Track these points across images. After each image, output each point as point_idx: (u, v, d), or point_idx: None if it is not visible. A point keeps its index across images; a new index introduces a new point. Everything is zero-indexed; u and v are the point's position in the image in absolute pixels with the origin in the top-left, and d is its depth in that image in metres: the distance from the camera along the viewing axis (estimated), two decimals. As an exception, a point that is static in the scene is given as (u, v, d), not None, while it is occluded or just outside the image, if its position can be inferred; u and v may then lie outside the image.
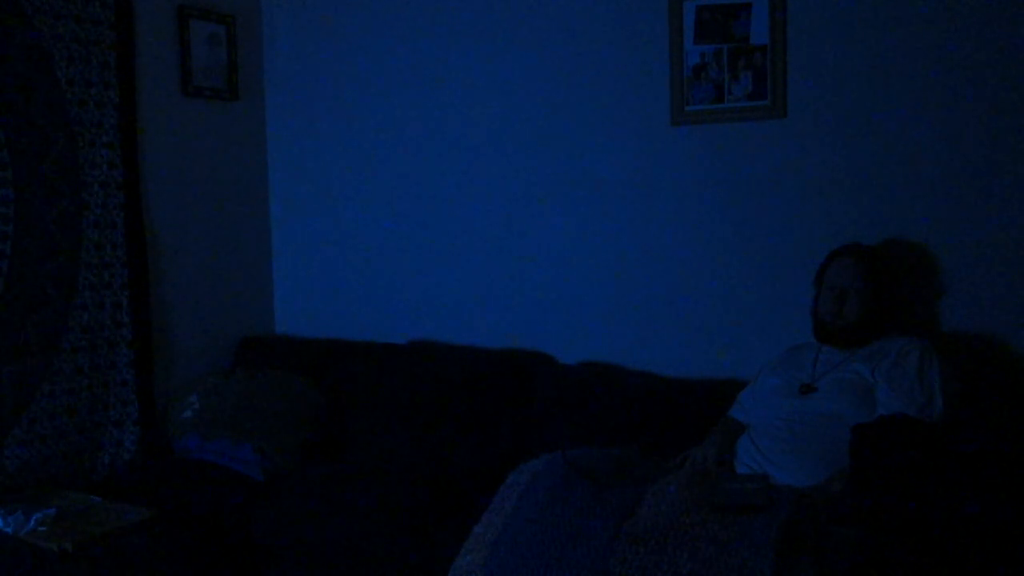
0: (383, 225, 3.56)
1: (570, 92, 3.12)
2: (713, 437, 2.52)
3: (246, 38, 3.67)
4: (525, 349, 3.25)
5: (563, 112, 3.14)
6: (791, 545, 1.83)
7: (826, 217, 2.73)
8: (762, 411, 2.50)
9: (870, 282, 2.47)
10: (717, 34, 2.84)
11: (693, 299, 2.96)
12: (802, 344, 2.61)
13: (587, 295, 3.15)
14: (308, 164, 3.72)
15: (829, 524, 1.96)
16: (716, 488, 2.07)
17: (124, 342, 3.18)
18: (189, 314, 3.48)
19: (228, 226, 3.65)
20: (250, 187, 3.75)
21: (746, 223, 2.86)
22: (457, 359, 3.24)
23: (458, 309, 3.42)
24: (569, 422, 2.90)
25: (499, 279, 3.33)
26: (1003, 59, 2.50)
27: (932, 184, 2.60)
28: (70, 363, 3.04)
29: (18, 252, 2.91)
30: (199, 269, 3.52)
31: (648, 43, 2.95)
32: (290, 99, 3.73)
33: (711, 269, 2.93)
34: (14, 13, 2.86)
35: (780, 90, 2.76)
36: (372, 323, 3.59)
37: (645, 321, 3.05)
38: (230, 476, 2.93)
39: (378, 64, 3.51)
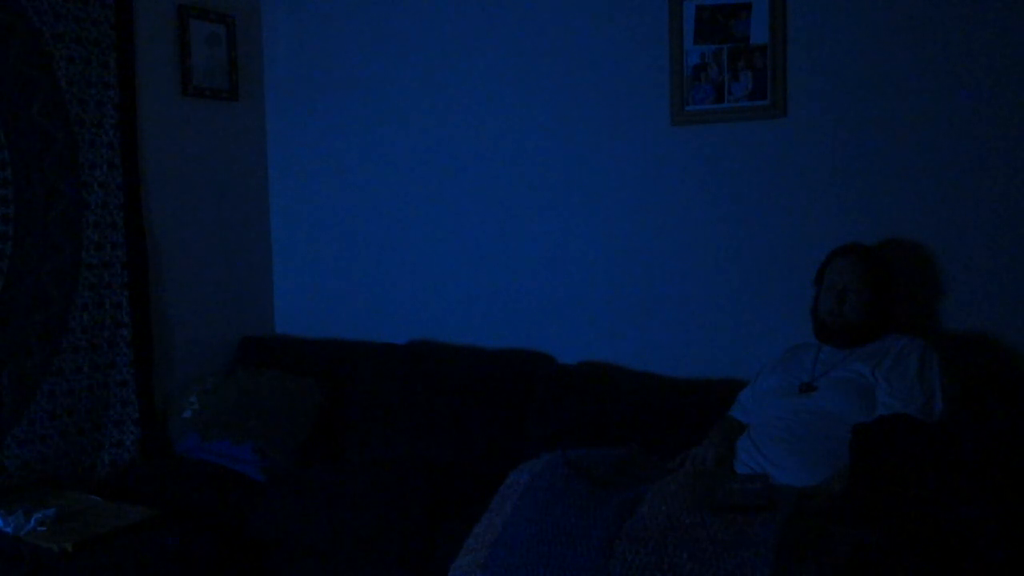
0: (383, 225, 3.56)
1: (570, 92, 3.12)
2: (713, 437, 2.52)
3: (246, 38, 3.67)
4: (525, 349, 3.25)
5: (563, 112, 3.14)
6: (791, 545, 1.83)
7: (826, 217, 2.73)
8: (762, 411, 2.50)
9: (870, 282, 2.47)
10: (717, 34, 2.84)
11: (693, 299, 2.97)
12: (802, 344, 2.61)
13: (587, 295, 3.15)
14: (308, 164, 3.72)
15: (829, 524, 1.96)
16: (716, 488, 2.07)
17: (124, 342, 3.18)
18: (189, 314, 3.48)
19: (228, 226, 3.65)
20: (250, 187, 3.75)
21: (746, 223, 2.86)
22: (457, 359, 3.24)
23: (458, 309, 3.42)
24: (569, 422, 2.90)
25: (499, 279, 3.32)
26: (1003, 59, 2.50)
27: (932, 184, 2.60)
28: (70, 363, 3.04)
29: (18, 252, 2.91)
30: (199, 269, 3.51)
31: (648, 43, 2.95)
32: (290, 99, 3.73)
33: (711, 269, 2.93)
34: (14, 13, 2.86)
35: (780, 90, 2.76)
36: (372, 323, 3.59)
37: (645, 321, 3.05)
38: (230, 476, 2.93)
39: (378, 63, 3.51)
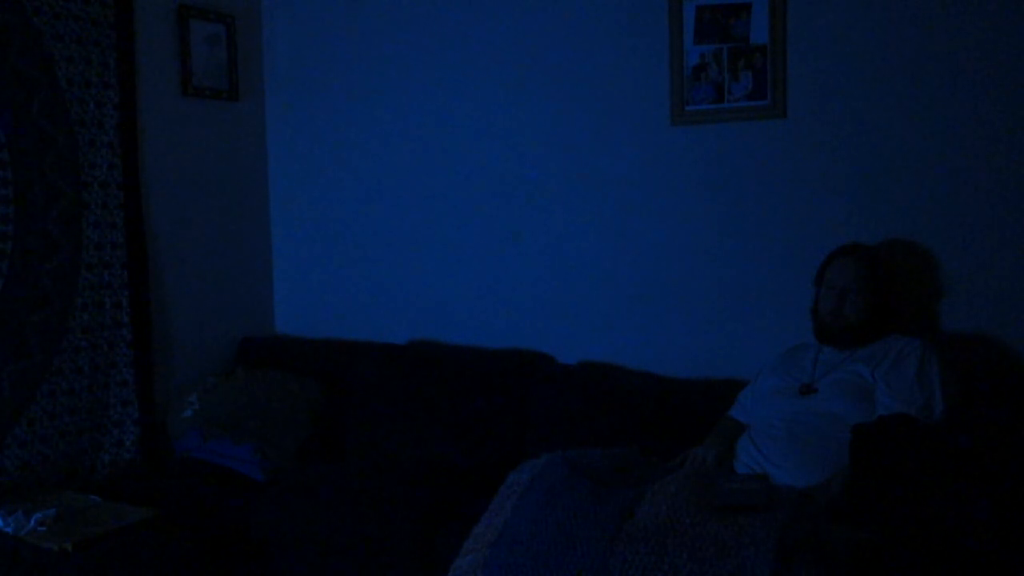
0: (383, 225, 3.56)
1: (570, 92, 3.12)
2: (713, 437, 2.52)
3: (246, 38, 3.67)
4: (525, 349, 3.25)
5: (563, 112, 3.14)
6: (791, 545, 1.83)
7: (826, 217, 2.73)
8: (762, 411, 2.50)
9: (870, 282, 2.47)
10: (717, 34, 2.84)
11: (693, 299, 2.97)
12: (802, 344, 2.61)
13: (587, 295, 3.15)
14: (308, 164, 3.72)
15: (829, 524, 1.96)
16: (716, 488, 2.07)
17: (124, 342, 3.18)
18: (189, 314, 3.48)
19: (228, 226, 3.65)
20: (250, 187, 3.75)
21: (746, 223, 2.87)
22: (457, 359, 3.24)
23: (458, 309, 3.42)
24: (569, 422, 2.90)
25: (499, 279, 3.33)
26: (1003, 59, 2.50)
27: (932, 184, 2.60)
28: (70, 363, 3.04)
29: (18, 252, 2.91)
30: (199, 269, 3.51)
31: (648, 43, 2.95)
32: (290, 99, 3.73)
33: (711, 269, 2.93)
34: (14, 13, 2.86)
35: (780, 90, 2.76)
36: (372, 323, 3.59)
37: (645, 321, 3.05)
38: (230, 476, 2.93)
39: (378, 64, 3.51)
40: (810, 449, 2.28)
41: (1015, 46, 2.48)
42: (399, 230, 3.53)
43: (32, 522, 2.51)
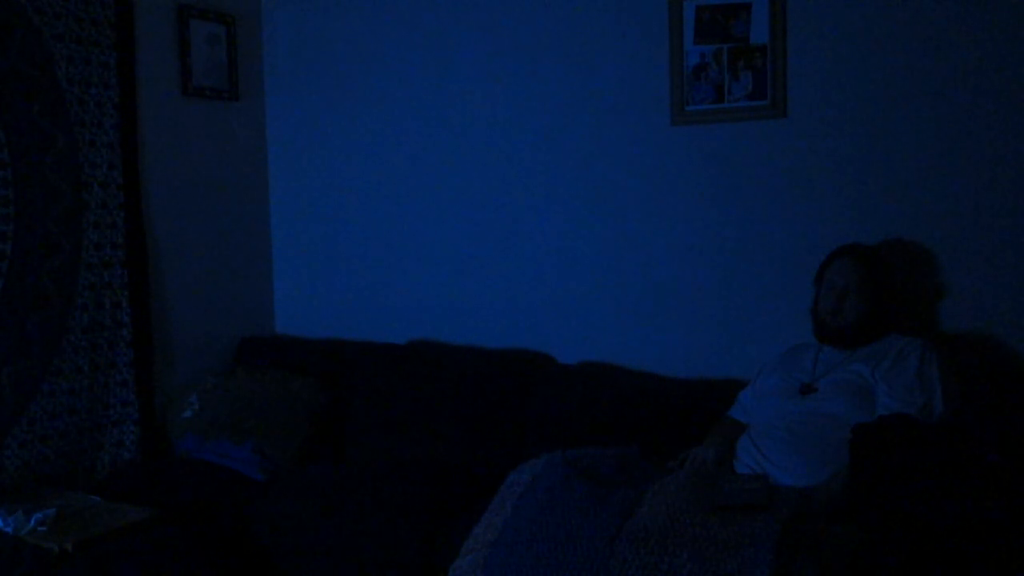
0: (383, 225, 3.56)
1: (570, 92, 3.12)
2: (713, 437, 2.52)
3: (246, 38, 3.67)
4: (525, 349, 3.25)
5: (563, 112, 3.14)
6: (791, 545, 1.83)
7: (826, 217, 2.73)
8: (762, 411, 2.50)
9: (870, 282, 2.47)
10: (717, 34, 2.84)
11: (693, 299, 2.97)
12: (802, 344, 2.61)
13: (587, 295, 3.15)
14: (308, 164, 3.72)
15: (829, 524, 1.96)
16: (716, 488, 2.07)
17: (124, 342, 3.18)
18: (189, 314, 3.48)
19: (228, 226, 3.65)
20: (250, 187, 3.75)
21: (746, 223, 2.87)
22: (457, 359, 3.24)
23: (458, 309, 3.42)
24: (569, 422, 2.90)
25: (499, 279, 3.33)
26: (1003, 59, 2.50)
27: (932, 184, 2.60)
28: (70, 363, 3.04)
29: (18, 252, 2.91)
30: (199, 269, 3.51)
31: (648, 43, 2.95)
32: (290, 99, 3.73)
33: (711, 269, 2.93)
34: (14, 13, 2.86)
35: (780, 90, 2.76)
36: (372, 323, 3.59)
37: (645, 321, 3.05)
38: (230, 476, 2.93)
39: (378, 63, 3.51)
40: (810, 449, 2.28)
41: (1015, 45, 2.48)
42: (399, 230, 3.53)
43: (32, 522, 2.51)
